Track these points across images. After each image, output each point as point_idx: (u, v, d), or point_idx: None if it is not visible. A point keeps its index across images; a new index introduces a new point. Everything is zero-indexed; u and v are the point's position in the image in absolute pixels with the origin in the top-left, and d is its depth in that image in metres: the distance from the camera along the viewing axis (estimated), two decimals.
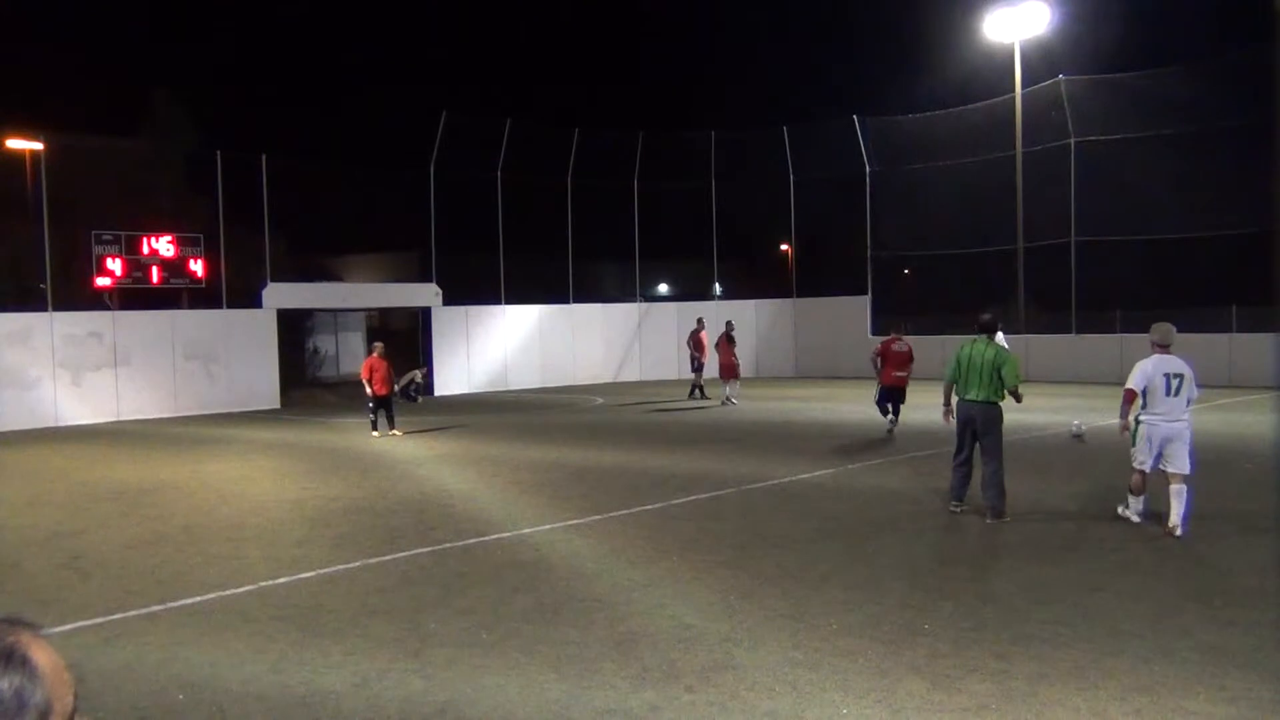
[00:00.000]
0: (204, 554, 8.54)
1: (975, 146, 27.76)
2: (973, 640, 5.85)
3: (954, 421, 9.71)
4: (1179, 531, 8.31)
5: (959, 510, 9.51)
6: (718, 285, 34.45)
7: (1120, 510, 9.14)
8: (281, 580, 7.60)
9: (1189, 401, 8.67)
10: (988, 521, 9.11)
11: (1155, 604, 6.51)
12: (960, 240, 28.27)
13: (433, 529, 9.33)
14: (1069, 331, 25.96)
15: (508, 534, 9.04)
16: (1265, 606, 6.41)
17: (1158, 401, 8.63)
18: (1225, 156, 24.94)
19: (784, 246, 36.32)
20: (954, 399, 9.71)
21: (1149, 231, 25.44)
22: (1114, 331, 25.43)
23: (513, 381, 27.96)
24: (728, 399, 21.45)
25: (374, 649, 5.94)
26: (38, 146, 22.67)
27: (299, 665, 5.71)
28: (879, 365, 16.21)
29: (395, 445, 15.90)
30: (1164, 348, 8.81)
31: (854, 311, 29.01)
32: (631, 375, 30.35)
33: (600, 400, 23.91)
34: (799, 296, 31.19)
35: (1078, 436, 14.76)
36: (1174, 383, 8.62)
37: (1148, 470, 8.74)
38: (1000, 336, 15.59)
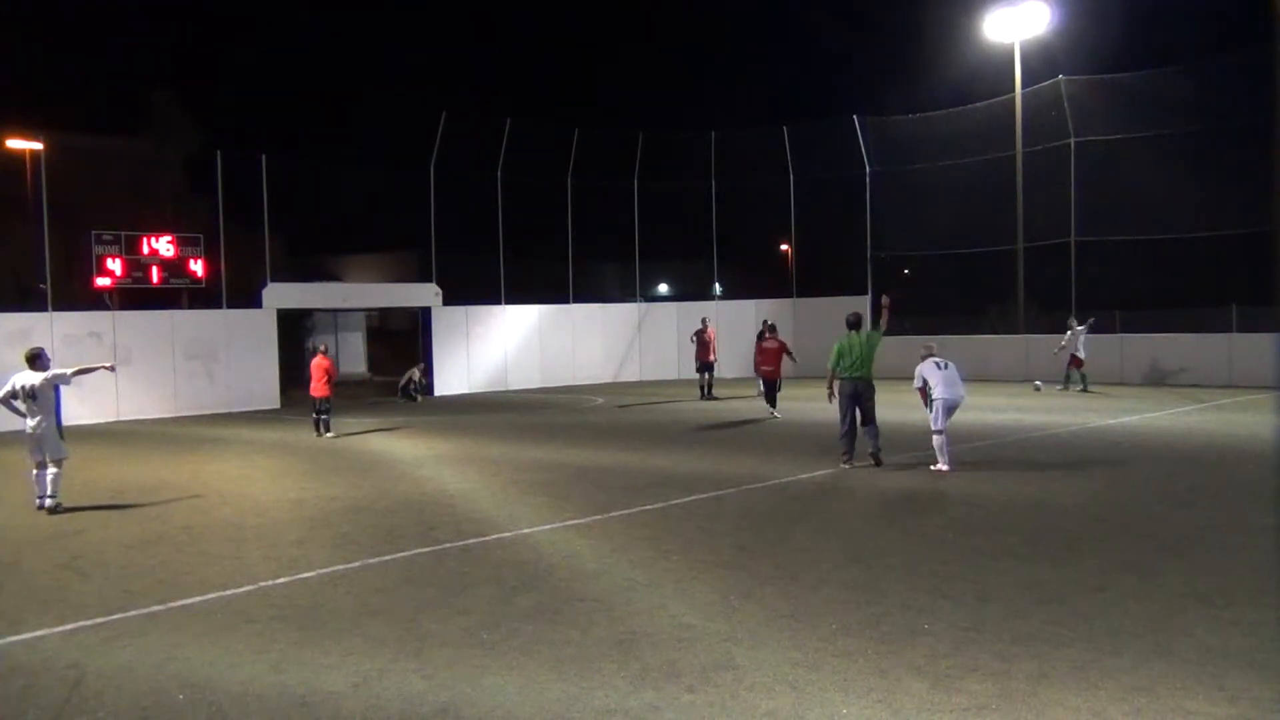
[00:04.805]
0: (204, 554, 8.55)
1: (975, 146, 27.75)
2: (973, 640, 5.85)
3: (836, 401, 12.38)
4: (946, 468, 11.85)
5: (849, 465, 12.13)
6: (718, 285, 34.45)
7: (933, 468, 11.86)
8: (281, 580, 7.60)
9: (960, 378, 12.14)
10: (874, 466, 12.06)
11: (1155, 604, 6.51)
12: (960, 240, 28.26)
13: (433, 529, 9.33)
14: (1068, 331, 25.90)
15: (508, 534, 9.04)
16: (1265, 606, 6.41)
17: (939, 383, 11.85)
18: (1225, 156, 24.93)
19: (784, 246, 36.32)
20: (835, 383, 12.37)
21: (1149, 231, 25.43)
22: (1114, 332, 25.44)
23: (513, 381, 27.96)
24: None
25: (374, 649, 5.94)
26: (38, 146, 22.67)
27: (299, 665, 5.72)
28: (756, 361, 18.99)
29: (395, 445, 15.91)
30: (930, 350, 12.32)
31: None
32: (631, 375, 30.36)
33: (600, 400, 23.91)
34: (799, 296, 31.19)
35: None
36: (942, 365, 12.03)
37: (944, 430, 11.89)
38: (1081, 329, 22.46)
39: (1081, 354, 22.33)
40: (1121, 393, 22.32)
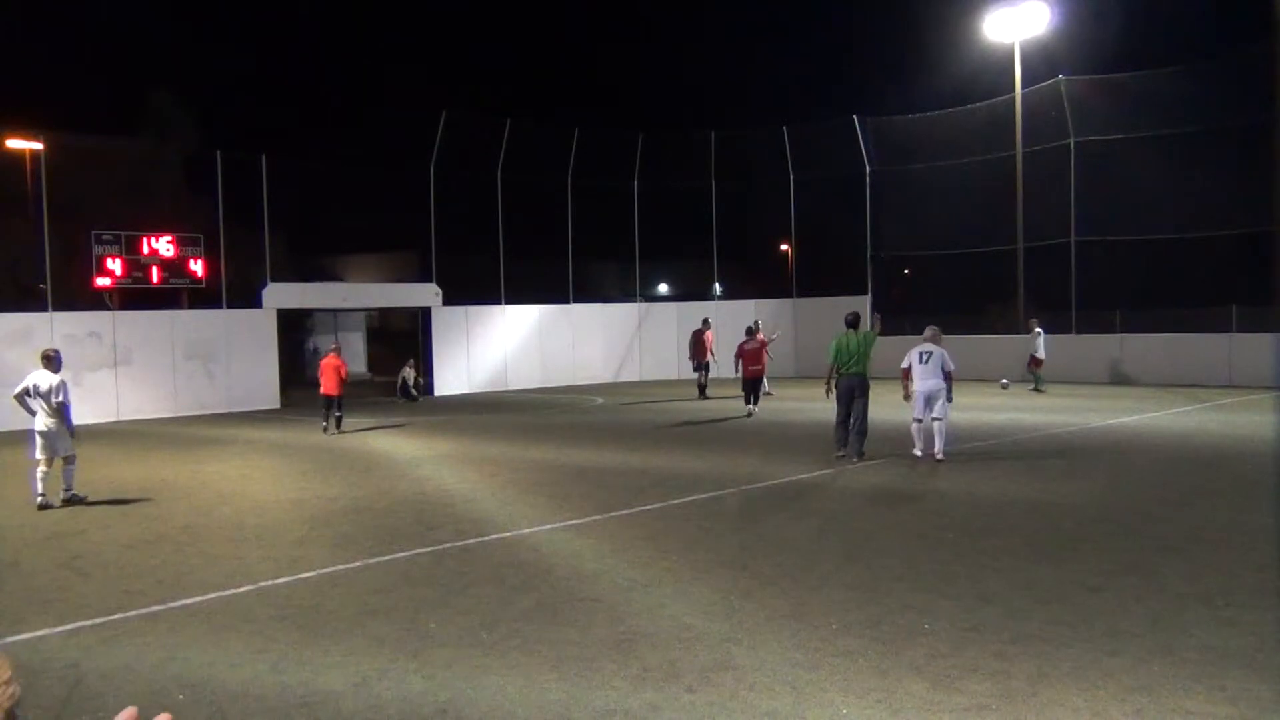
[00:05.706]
0: (204, 554, 8.55)
1: (975, 146, 27.75)
2: (973, 640, 5.85)
3: (834, 396, 13.07)
4: (941, 456, 12.41)
5: (842, 455, 12.78)
6: (718, 285, 34.44)
7: (914, 451, 12.76)
8: (281, 580, 7.60)
9: (947, 374, 12.57)
10: (854, 462, 12.55)
11: (1155, 604, 6.51)
12: (960, 240, 28.25)
13: (433, 529, 9.33)
14: (1069, 331, 25.94)
15: (508, 534, 9.04)
16: (1265, 606, 6.41)
17: (917, 373, 12.59)
18: (1225, 156, 24.92)
19: (784, 246, 36.32)
20: (834, 379, 13.01)
21: (1149, 231, 25.42)
22: (1114, 331, 25.44)
23: (513, 381, 27.96)
24: (767, 394, 22.73)
25: (374, 649, 5.94)
26: (38, 146, 22.67)
27: (299, 665, 5.71)
28: (738, 363, 19.31)
29: (395, 445, 15.91)
30: (925, 340, 12.78)
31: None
32: (631, 375, 30.36)
33: (600, 400, 23.91)
34: (799, 296, 31.19)
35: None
36: (925, 357, 12.67)
37: (921, 419, 12.66)
38: (1041, 334, 22.98)
39: (1041, 354, 22.68)
40: (1121, 393, 22.32)
